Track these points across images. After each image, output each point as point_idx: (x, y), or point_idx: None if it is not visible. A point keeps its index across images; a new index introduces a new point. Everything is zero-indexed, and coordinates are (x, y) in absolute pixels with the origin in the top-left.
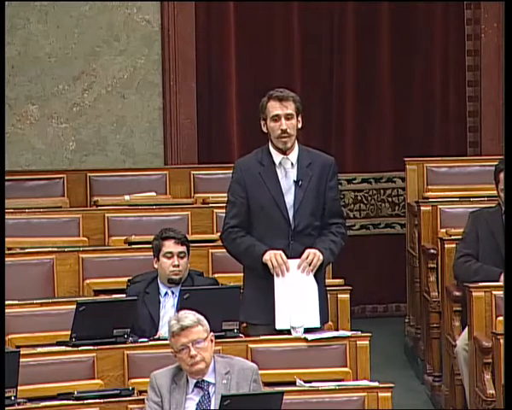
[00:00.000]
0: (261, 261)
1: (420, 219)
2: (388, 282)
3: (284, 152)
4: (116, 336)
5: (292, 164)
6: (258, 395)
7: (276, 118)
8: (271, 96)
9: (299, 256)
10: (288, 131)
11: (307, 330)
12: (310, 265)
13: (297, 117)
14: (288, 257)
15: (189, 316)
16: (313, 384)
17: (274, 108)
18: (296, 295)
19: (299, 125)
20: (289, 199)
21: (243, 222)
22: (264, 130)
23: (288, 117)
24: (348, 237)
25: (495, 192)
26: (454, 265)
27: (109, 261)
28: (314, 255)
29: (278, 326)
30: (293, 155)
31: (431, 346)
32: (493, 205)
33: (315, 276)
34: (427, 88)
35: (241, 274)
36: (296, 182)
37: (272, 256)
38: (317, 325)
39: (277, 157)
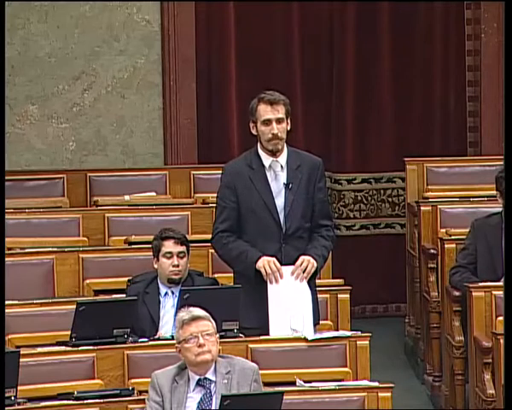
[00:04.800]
0: (254, 268)
1: (420, 219)
2: (388, 282)
3: (274, 154)
4: (116, 336)
5: (281, 167)
6: (258, 395)
7: (268, 122)
8: (262, 100)
9: (292, 260)
10: (279, 135)
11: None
12: (304, 272)
13: (287, 120)
14: (281, 260)
15: (200, 310)
16: (313, 384)
17: (265, 111)
18: (290, 302)
19: (288, 128)
20: (280, 202)
21: (233, 226)
22: (254, 132)
23: (278, 121)
24: (348, 238)
25: (495, 192)
26: (449, 275)
27: (109, 261)
28: (308, 262)
29: (272, 333)
30: (283, 158)
31: (431, 346)
32: (496, 211)
33: (308, 282)
34: (427, 88)
35: None
36: (286, 185)
37: (266, 263)
38: (311, 332)
39: (267, 160)
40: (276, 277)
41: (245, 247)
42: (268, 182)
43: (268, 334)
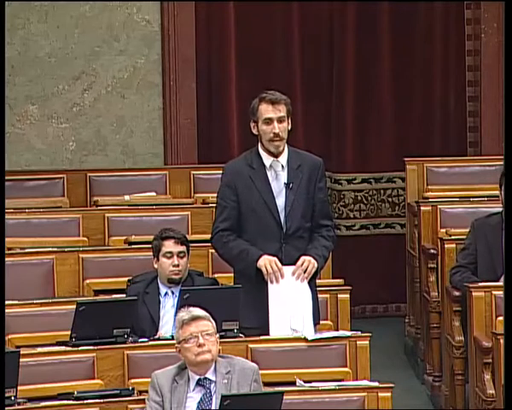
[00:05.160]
0: (255, 266)
1: (420, 219)
2: (388, 282)
3: (275, 155)
4: (116, 336)
5: (282, 166)
6: (258, 395)
7: (269, 121)
8: (264, 99)
9: (292, 260)
10: (281, 134)
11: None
12: (305, 272)
13: (288, 120)
14: (281, 260)
15: (200, 310)
16: (313, 384)
17: (266, 111)
18: (290, 303)
19: (289, 128)
20: (280, 202)
21: (233, 226)
22: (255, 132)
23: (280, 120)
24: (348, 238)
25: (495, 192)
26: (449, 275)
27: (109, 261)
28: (309, 263)
29: (272, 333)
30: (284, 158)
31: (431, 346)
32: (496, 211)
33: (308, 282)
34: (427, 88)
35: None
36: (287, 185)
37: (267, 262)
38: (312, 332)
39: (267, 160)
40: (277, 277)
41: (245, 245)
42: (269, 182)
43: (268, 334)
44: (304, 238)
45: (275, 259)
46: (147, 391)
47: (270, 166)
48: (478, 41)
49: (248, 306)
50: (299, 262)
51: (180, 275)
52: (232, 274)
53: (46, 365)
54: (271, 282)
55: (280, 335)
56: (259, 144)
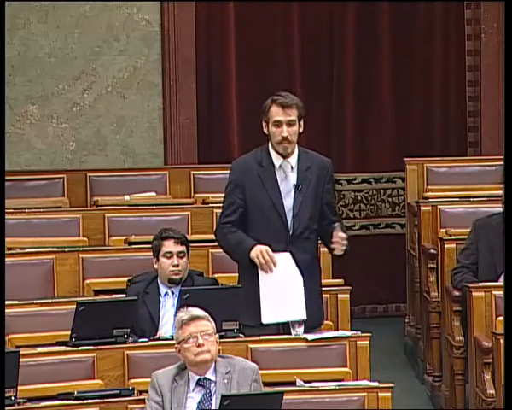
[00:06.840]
0: (248, 257)
1: (420, 219)
2: (388, 282)
3: (284, 156)
4: (116, 336)
5: (292, 167)
6: (258, 395)
7: (278, 124)
8: (275, 102)
9: (297, 261)
10: (289, 138)
11: (307, 330)
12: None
13: (299, 122)
14: None
15: (199, 310)
16: (313, 384)
17: (276, 113)
18: (282, 289)
19: (301, 130)
20: (288, 203)
21: (237, 221)
22: (265, 131)
23: (290, 124)
24: (348, 238)
25: (495, 192)
26: (451, 275)
27: (109, 261)
28: (346, 242)
29: (264, 321)
30: (293, 159)
31: (431, 346)
32: (497, 211)
33: (313, 276)
34: (427, 88)
35: None
36: (296, 186)
37: (259, 254)
38: (304, 317)
39: (277, 160)
40: (270, 266)
41: (242, 236)
42: (277, 182)
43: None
44: (310, 239)
45: (266, 248)
46: (147, 391)
47: (280, 166)
48: (478, 41)
49: (249, 304)
50: (344, 235)
51: (180, 275)
52: (232, 274)
53: (46, 365)
54: (265, 272)
55: (280, 335)
56: (270, 144)
